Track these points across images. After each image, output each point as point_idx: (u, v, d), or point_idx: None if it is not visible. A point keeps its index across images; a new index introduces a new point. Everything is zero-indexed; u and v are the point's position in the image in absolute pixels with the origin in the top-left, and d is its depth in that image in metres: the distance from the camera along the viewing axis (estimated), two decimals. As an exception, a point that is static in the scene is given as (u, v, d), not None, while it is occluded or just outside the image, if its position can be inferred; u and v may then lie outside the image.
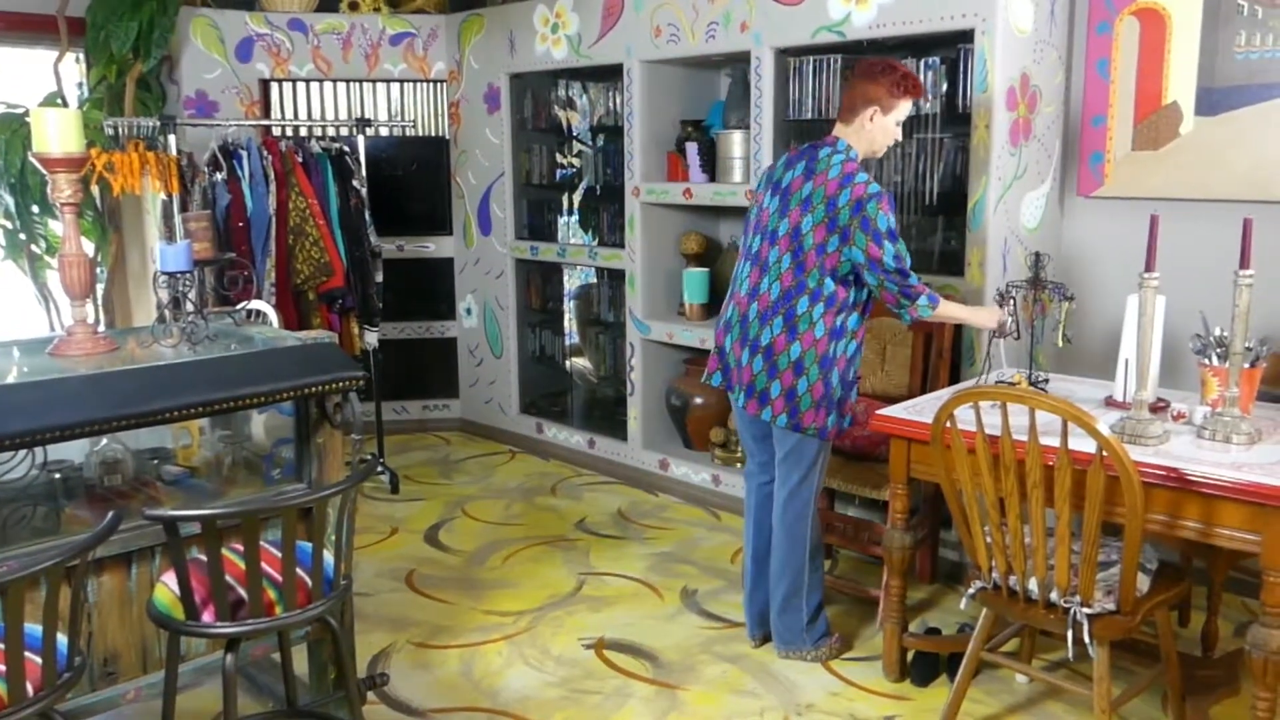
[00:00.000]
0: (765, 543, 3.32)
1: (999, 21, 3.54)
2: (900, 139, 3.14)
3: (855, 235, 2.95)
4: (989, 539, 2.64)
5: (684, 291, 4.84)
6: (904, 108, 3.08)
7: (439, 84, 5.78)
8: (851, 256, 2.98)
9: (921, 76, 3.91)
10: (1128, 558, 2.45)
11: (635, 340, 4.97)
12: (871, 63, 3.10)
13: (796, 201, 3.06)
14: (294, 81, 5.60)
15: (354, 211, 4.98)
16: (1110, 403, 3.07)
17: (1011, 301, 3.17)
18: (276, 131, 5.42)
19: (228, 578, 2.19)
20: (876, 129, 3.06)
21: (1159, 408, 2.91)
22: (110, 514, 2.00)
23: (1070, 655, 2.54)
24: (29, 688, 1.90)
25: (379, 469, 4.99)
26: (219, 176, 4.67)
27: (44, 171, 2.51)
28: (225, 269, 4.29)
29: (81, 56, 5.33)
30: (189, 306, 2.71)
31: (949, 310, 3.13)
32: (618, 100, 5.04)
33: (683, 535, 4.39)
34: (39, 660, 1.93)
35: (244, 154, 4.74)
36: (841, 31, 3.93)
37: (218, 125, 4.94)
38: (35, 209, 5.06)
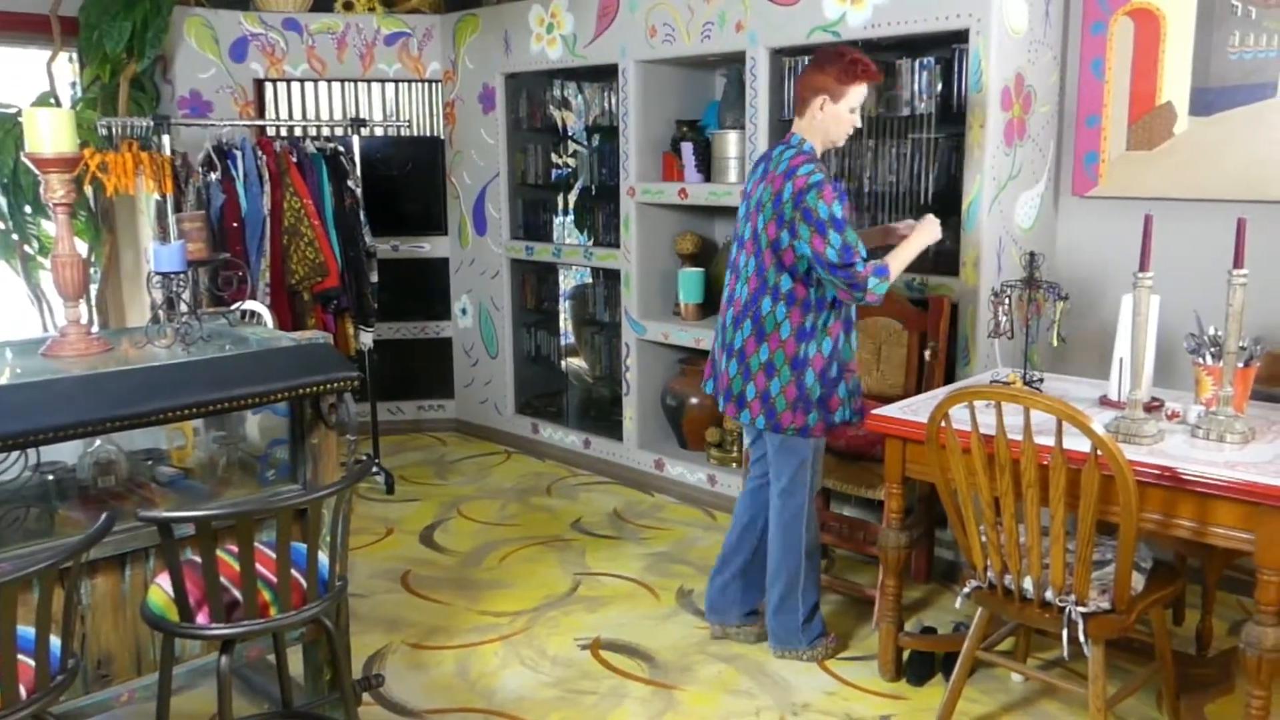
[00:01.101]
0: (738, 534, 3.37)
1: (994, 21, 3.54)
2: (859, 125, 3.08)
3: (799, 228, 2.95)
4: (984, 538, 2.64)
5: (679, 291, 4.84)
6: (855, 93, 3.01)
7: (434, 84, 5.77)
8: (801, 250, 2.97)
9: (916, 76, 3.92)
10: (1122, 556, 2.46)
11: (630, 340, 4.97)
12: (822, 52, 3.09)
13: (755, 203, 3.08)
14: (288, 81, 5.59)
15: (349, 212, 4.97)
16: (1105, 402, 3.07)
17: (1006, 301, 3.17)
18: (271, 131, 5.41)
19: (222, 579, 2.19)
20: (829, 118, 3.02)
21: (1153, 407, 2.91)
22: (104, 516, 2.00)
23: (1065, 654, 2.54)
24: (22, 690, 1.90)
25: (374, 470, 4.98)
26: (213, 176, 4.66)
27: (37, 172, 2.50)
28: (220, 269, 4.28)
29: (75, 56, 5.31)
30: (183, 307, 2.70)
31: (899, 263, 3.04)
32: (613, 100, 5.04)
33: (678, 535, 4.39)
34: (32, 663, 1.92)
35: (238, 154, 4.73)
36: (837, 31, 3.93)
37: (212, 125, 4.93)
38: (28, 209, 5.05)
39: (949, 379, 3.71)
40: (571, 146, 5.54)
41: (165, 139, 4.53)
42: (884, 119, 4.04)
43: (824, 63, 3.03)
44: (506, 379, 5.69)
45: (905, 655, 3.19)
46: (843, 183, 3.21)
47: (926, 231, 3.15)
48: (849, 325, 3.17)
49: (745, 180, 3.22)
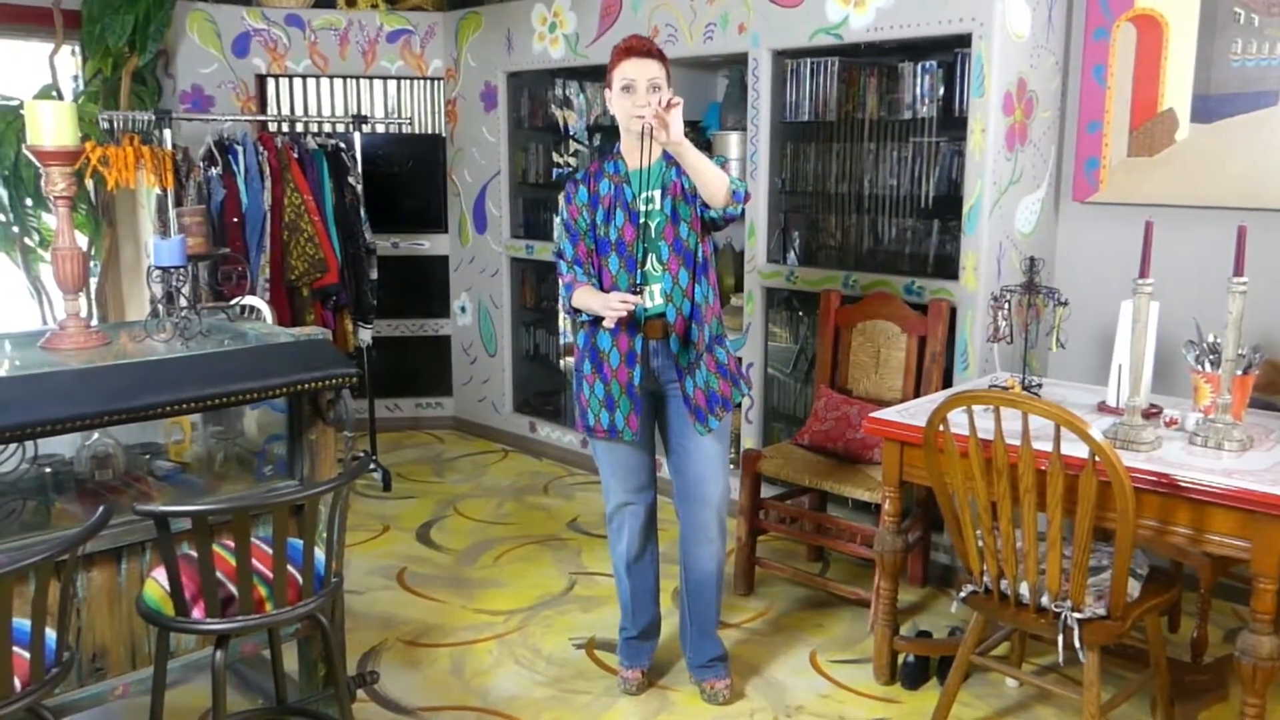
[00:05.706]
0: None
1: (996, 26, 3.54)
2: (641, 104, 2.76)
3: None
4: (981, 543, 2.64)
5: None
6: (619, 73, 2.83)
7: (436, 81, 5.77)
8: None
9: (918, 80, 3.92)
10: (1119, 563, 2.46)
11: (629, 340, 4.96)
12: None
13: None
14: (290, 77, 5.59)
15: (349, 208, 4.97)
16: (1103, 408, 3.07)
17: (1006, 306, 3.17)
18: (272, 127, 5.40)
19: (218, 574, 2.19)
20: (614, 107, 2.91)
21: (1152, 413, 2.92)
22: (100, 509, 1.99)
23: (1060, 660, 2.54)
24: (16, 683, 1.89)
25: (371, 466, 4.98)
26: (214, 171, 4.67)
27: (38, 164, 2.50)
28: (219, 264, 4.29)
29: (77, 49, 5.31)
30: (182, 301, 2.70)
31: (583, 304, 2.90)
32: (614, 100, 5.03)
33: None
34: (27, 655, 1.92)
35: (239, 149, 4.73)
36: (839, 34, 3.93)
37: (213, 120, 4.93)
38: (29, 202, 5.05)
39: (947, 383, 3.71)
40: (573, 146, 5.54)
41: (166, 133, 4.53)
42: (885, 122, 4.05)
43: None
44: (505, 377, 5.69)
45: (900, 659, 3.19)
46: (622, 166, 2.96)
47: (599, 302, 2.83)
48: (593, 323, 2.92)
49: None
